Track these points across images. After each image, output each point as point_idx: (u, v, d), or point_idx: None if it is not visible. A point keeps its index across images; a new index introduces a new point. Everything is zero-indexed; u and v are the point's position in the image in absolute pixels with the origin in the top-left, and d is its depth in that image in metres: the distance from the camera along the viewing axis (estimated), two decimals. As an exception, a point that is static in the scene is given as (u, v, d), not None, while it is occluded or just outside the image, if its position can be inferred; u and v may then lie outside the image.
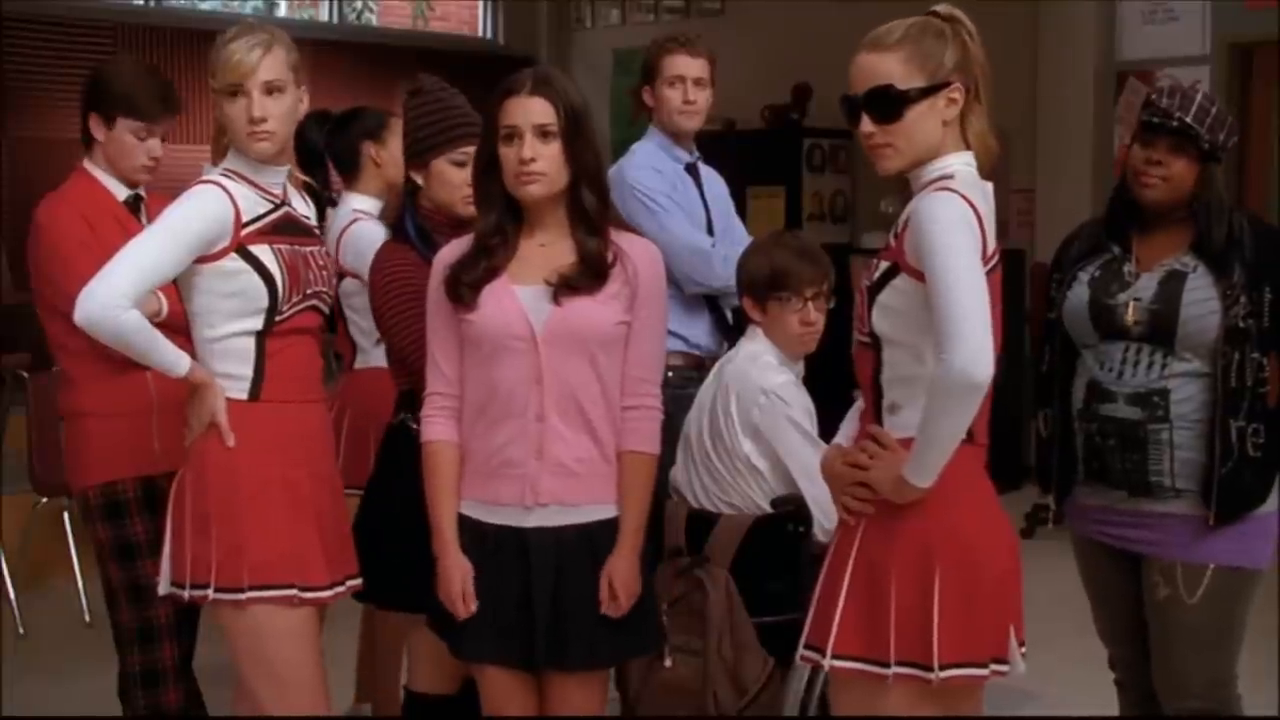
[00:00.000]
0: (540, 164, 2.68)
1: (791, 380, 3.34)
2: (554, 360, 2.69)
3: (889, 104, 2.42)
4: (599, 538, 2.73)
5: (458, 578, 2.74)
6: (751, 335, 3.43)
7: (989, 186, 2.48)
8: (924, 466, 2.36)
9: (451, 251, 2.79)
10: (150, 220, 3.03)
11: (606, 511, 2.75)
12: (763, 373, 3.32)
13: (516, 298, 2.71)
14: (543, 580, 2.70)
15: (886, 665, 2.40)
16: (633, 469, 2.76)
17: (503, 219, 2.74)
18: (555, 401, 2.70)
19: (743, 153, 7.56)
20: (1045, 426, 3.21)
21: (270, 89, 2.81)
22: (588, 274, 2.71)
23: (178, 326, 2.95)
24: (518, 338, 2.69)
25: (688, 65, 3.96)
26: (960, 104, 2.43)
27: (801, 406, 3.31)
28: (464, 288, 2.72)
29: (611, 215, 2.81)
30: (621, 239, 2.78)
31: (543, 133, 2.68)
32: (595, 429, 2.72)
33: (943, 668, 2.37)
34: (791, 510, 3.27)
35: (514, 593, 2.72)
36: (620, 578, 2.72)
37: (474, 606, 2.74)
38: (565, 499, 2.71)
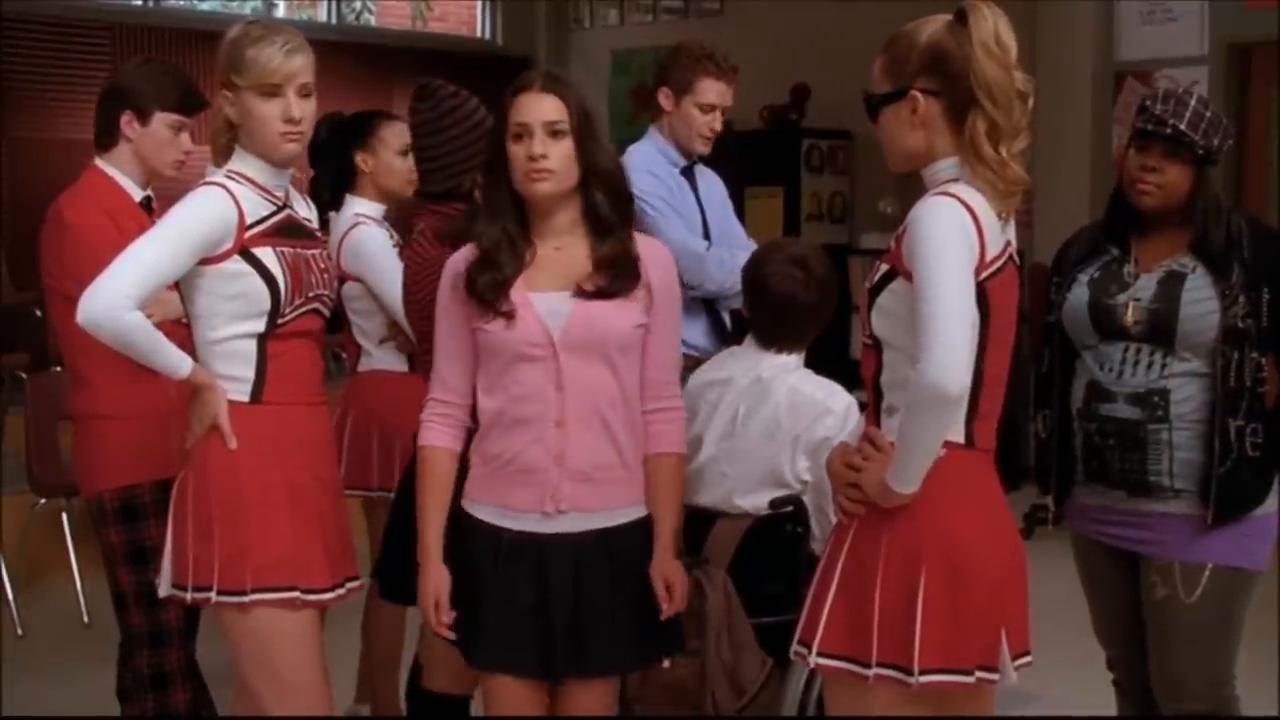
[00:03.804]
0: (550, 161, 2.66)
1: (852, 399, 3.30)
2: (574, 366, 2.67)
3: (868, 106, 2.49)
4: (617, 540, 2.73)
5: (432, 589, 2.74)
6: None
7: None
8: (903, 473, 2.36)
9: (461, 259, 2.76)
10: None
11: (625, 515, 2.74)
12: (817, 389, 3.28)
13: (533, 305, 2.69)
14: (561, 586, 2.69)
15: (868, 666, 2.41)
16: (664, 471, 2.76)
17: (510, 224, 2.71)
18: (575, 408, 2.68)
19: (741, 153, 7.53)
20: (1044, 427, 3.22)
21: (303, 92, 2.82)
22: (614, 280, 2.69)
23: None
24: (537, 345, 2.67)
25: (723, 94, 3.94)
26: (921, 111, 2.42)
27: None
28: (486, 291, 2.68)
29: (632, 214, 2.79)
30: (636, 240, 2.76)
31: (553, 130, 2.66)
32: (615, 434, 2.71)
33: (923, 672, 2.37)
34: (790, 511, 3.27)
35: (530, 600, 2.70)
36: (675, 576, 2.74)
37: (447, 618, 2.73)
38: (585, 505, 2.70)
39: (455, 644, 2.79)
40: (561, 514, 2.69)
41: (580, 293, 2.68)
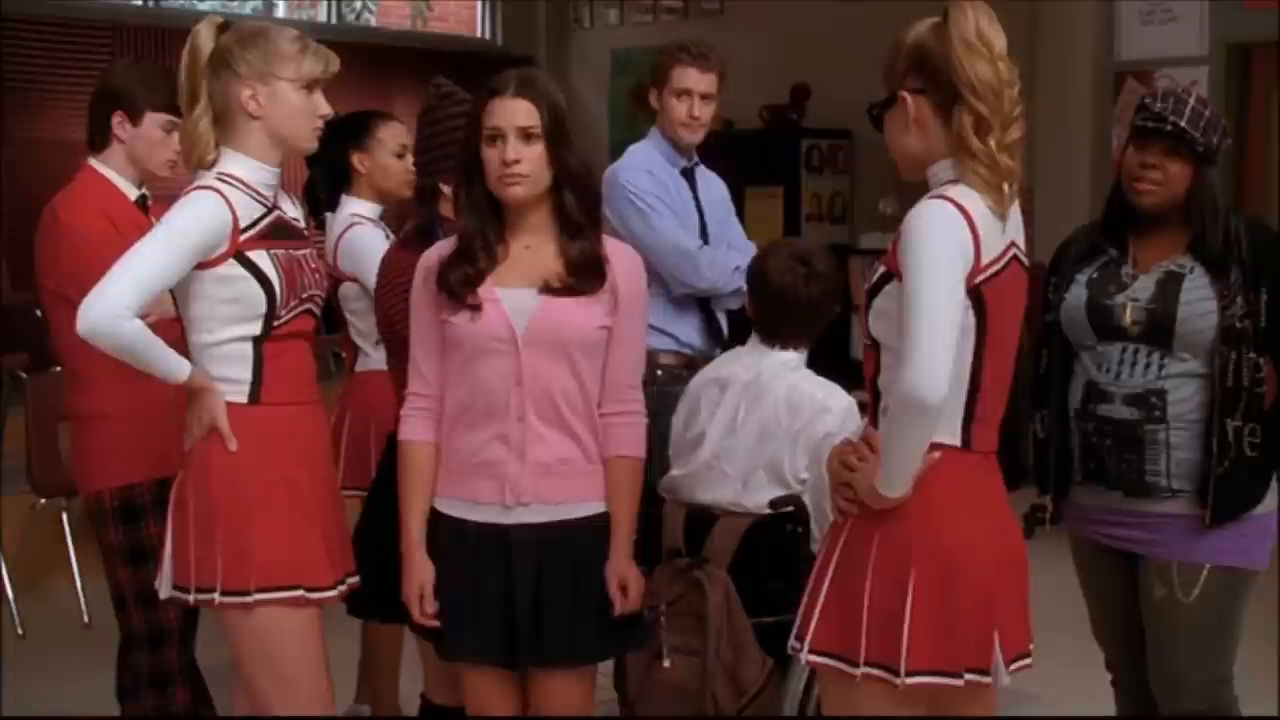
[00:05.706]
0: (523, 165, 2.70)
1: (852, 400, 3.29)
2: (534, 363, 2.71)
3: (872, 119, 2.52)
4: (579, 534, 2.76)
5: (417, 581, 2.77)
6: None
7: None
8: (889, 477, 2.37)
9: (435, 254, 2.81)
10: (157, 221, 3.03)
11: (587, 509, 2.78)
12: (817, 387, 3.29)
13: (500, 301, 2.73)
14: (524, 577, 2.73)
15: (856, 665, 2.42)
16: (622, 473, 2.80)
17: (485, 221, 2.76)
18: (535, 403, 2.72)
19: (741, 153, 7.55)
20: (1042, 428, 3.22)
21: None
22: (581, 279, 2.73)
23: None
24: (499, 340, 2.72)
25: (697, 80, 3.95)
26: (912, 113, 2.43)
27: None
28: (456, 285, 2.73)
29: (600, 217, 2.83)
30: (604, 244, 2.80)
31: (526, 135, 2.70)
32: (575, 431, 2.76)
33: (911, 673, 2.37)
34: (790, 511, 3.27)
35: (496, 591, 2.74)
36: (632, 576, 2.77)
37: (431, 609, 2.77)
38: (546, 497, 2.74)
39: (429, 636, 2.82)
40: (523, 505, 2.73)
41: (547, 289, 2.73)
